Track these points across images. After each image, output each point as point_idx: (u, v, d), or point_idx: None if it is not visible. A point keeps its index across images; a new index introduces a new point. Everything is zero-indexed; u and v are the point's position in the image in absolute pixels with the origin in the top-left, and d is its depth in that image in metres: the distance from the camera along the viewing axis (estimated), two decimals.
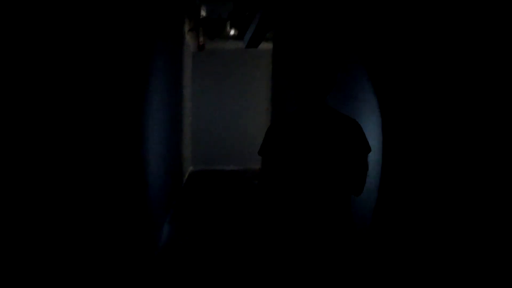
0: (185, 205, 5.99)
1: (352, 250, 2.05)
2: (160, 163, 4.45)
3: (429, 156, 2.16)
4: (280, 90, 7.14)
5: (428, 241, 2.14)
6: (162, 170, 4.66)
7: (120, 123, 2.41)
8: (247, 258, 3.80)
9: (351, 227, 2.06)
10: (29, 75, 1.34)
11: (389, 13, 2.61)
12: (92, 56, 1.90)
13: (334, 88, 2.05)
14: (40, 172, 1.42)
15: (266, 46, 8.73)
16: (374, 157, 2.65)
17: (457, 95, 1.93)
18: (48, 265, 1.47)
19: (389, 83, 2.58)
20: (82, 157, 1.78)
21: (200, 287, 3.27)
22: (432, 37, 2.14)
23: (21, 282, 1.30)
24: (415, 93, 2.29)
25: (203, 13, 6.64)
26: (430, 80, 2.15)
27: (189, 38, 7.80)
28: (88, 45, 1.84)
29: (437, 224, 2.08)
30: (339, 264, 2.03)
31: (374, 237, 2.73)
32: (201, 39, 7.80)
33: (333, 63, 2.00)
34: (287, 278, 2.06)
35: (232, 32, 8.09)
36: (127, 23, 2.69)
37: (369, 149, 2.07)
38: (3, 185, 1.20)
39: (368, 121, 2.88)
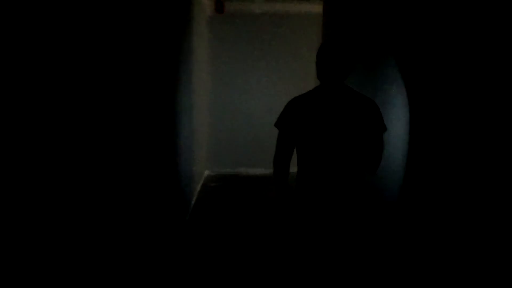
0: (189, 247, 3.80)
1: (365, 224, 2.25)
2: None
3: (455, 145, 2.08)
4: None
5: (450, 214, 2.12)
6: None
7: None
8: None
9: (364, 201, 2.15)
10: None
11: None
12: None
13: (352, 72, 2.14)
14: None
15: (312, 7, 6.37)
16: (400, 139, 2.77)
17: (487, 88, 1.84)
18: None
19: (418, 72, 2.50)
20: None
21: None
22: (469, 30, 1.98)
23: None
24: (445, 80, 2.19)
25: None
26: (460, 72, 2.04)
27: None
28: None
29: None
30: (353, 237, 2.13)
31: (402, 211, 2.71)
32: None
33: (352, 50, 2.09)
34: (305, 251, 2.16)
35: None
36: None
37: (384, 128, 2.13)
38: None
39: (395, 106, 2.88)
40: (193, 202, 5.10)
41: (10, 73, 1.06)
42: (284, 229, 3.95)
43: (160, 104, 3.03)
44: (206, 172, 6.89)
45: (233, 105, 6.83)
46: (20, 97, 1.13)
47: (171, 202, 3.53)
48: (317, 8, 6.25)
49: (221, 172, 6.92)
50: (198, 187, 5.82)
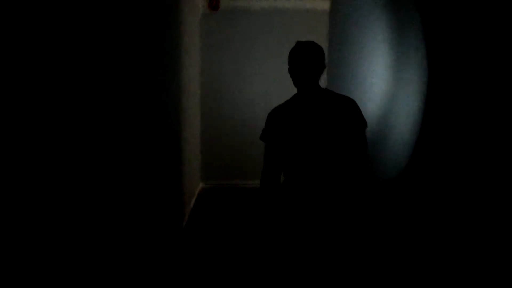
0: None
1: (359, 226, 2.11)
2: None
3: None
4: (343, 70, 4.29)
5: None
6: None
7: None
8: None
9: (357, 203, 2.10)
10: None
11: None
12: None
13: (323, 71, 2.14)
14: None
15: (316, 4, 5.79)
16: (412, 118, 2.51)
17: None
18: None
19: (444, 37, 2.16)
20: None
21: None
22: None
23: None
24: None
25: None
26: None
27: None
28: None
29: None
30: (347, 244, 2.08)
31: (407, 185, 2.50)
32: None
33: (321, 52, 2.12)
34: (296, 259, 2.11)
35: None
36: None
37: (365, 124, 2.11)
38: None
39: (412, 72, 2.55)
40: (184, 223, 4.49)
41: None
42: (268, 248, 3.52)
43: (140, 108, 2.43)
44: (200, 185, 6.28)
45: (229, 110, 6.23)
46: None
47: (150, 232, 2.93)
48: (323, 5, 5.67)
49: (217, 184, 6.31)
50: (191, 204, 5.22)
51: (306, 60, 2.07)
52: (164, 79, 3.30)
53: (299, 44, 2.13)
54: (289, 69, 2.15)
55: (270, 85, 6.13)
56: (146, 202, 2.64)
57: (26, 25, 1.18)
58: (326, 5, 5.62)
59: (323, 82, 4.97)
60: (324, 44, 5.71)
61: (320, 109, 2.08)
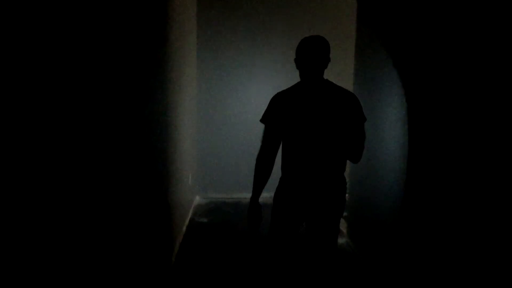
0: None
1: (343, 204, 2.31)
2: None
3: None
4: (375, 67, 3.47)
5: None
6: None
7: None
8: None
9: (344, 187, 2.29)
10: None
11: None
12: None
13: (328, 65, 2.25)
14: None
15: None
16: (398, 154, 2.75)
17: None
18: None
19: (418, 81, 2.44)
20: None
21: None
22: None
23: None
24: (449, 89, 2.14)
25: None
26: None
27: None
28: None
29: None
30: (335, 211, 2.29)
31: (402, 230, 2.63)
32: None
33: (327, 46, 2.20)
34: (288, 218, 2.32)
35: None
36: None
37: (364, 119, 2.25)
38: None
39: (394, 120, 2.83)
40: (175, 254, 3.62)
41: None
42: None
43: (114, 109, 1.57)
44: (197, 199, 5.40)
45: (229, 112, 5.35)
46: None
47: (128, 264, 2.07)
48: None
49: (216, 198, 5.44)
50: (184, 227, 4.34)
51: (311, 53, 2.17)
52: (148, 79, 2.43)
53: (307, 37, 2.22)
54: (295, 59, 2.25)
55: (280, 84, 5.25)
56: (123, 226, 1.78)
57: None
58: None
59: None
60: (332, 35, 4.85)
61: (320, 97, 2.21)
